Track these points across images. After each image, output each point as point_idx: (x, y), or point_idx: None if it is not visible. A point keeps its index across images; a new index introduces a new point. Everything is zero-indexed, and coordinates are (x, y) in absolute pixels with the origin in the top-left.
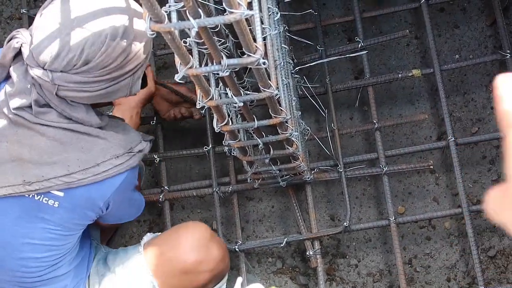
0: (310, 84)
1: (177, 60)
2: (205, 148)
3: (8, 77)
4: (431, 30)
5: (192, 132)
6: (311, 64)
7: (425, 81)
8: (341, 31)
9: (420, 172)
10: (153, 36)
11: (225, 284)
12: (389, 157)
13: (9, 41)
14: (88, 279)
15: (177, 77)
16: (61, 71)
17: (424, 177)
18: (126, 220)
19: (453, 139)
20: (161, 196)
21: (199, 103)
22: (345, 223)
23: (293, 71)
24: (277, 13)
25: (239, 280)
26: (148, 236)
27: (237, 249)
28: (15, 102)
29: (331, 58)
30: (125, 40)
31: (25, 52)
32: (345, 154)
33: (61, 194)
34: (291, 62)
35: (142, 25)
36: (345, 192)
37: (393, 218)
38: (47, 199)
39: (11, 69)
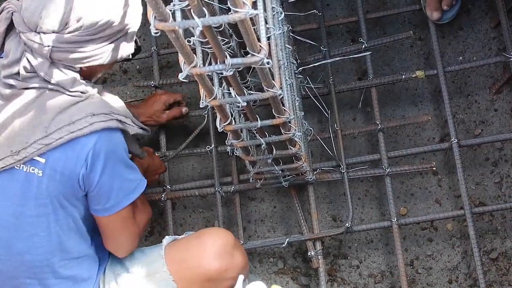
0: (313, 85)
1: (181, 59)
2: (208, 147)
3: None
4: (435, 32)
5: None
6: (314, 64)
7: (428, 83)
8: (344, 32)
9: (423, 173)
10: (157, 34)
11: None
12: (392, 158)
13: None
14: (104, 276)
15: (180, 76)
16: (53, 32)
17: (427, 179)
18: (114, 207)
19: (456, 140)
20: (163, 195)
21: (202, 102)
22: (347, 224)
23: (296, 71)
24: (281, 13)
25: (241, 278)
26: (167, 239)
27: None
28: (5, 72)
29: (335, 59)
30: None
31: (16, 19)
32: (348, 155)
33: (42, 160)
34: (295, 62)
35: None
36: (347, 193)
37: (395, 219)
38: (33, 168)
39: (6, 43)
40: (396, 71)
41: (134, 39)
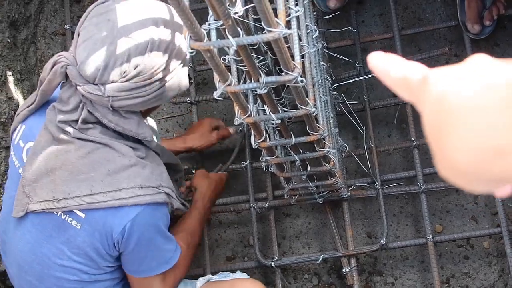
0: (348, 101)
1: (216, 77)
2: (243, 163)
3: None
4: (471, 48)
5: (230, 147)
6: (349, 81)
7: None
8: (380, 48)
9: (459, 190)
10: (192, 54)
11: None
12: (427, 175)
13: (52, 67)
14: None
15: (215, 94)
16: (112, 82)
17: (463, 196)
18: (145, 272)
19: None
20: None
21: (237, 119)
22: (382, 241)
23: (331, 88)
24: (315, 31)
25: None
26: (201, 282)
27: (273, 265)
28: (63, 117)
29: (370, 76)
30: (168, 36)
31: (71, 73)
32: (383, 171)
33: (82, 215)
34: (330, 79)
35: (180, 20)
36: (382, 210)
37: (431, 236)
38: (71, 219)
39: (60, 91)
40: None
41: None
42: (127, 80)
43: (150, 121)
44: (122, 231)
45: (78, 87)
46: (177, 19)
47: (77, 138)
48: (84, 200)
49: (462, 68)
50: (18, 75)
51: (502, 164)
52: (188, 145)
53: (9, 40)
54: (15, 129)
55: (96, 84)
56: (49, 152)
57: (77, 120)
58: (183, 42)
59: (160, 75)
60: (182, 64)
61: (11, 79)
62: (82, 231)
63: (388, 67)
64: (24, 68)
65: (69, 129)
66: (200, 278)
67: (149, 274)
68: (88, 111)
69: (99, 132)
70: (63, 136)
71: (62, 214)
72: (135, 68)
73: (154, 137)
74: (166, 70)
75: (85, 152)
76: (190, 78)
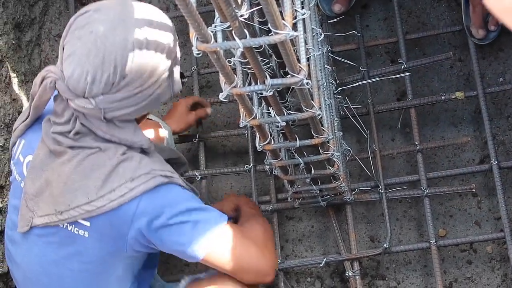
0: (352, 105)
1: (222, 79)
2: (246, 166)
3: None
4: (475, 53)
5: (234, 151)
6: (353, 85)
7: (468, 104)
8: (384, 53)
9: (462, 195)
10: (199, 55)
11: None
12: (431, 179)
13: (41, 82)
14: None
15: (221, 96)
16: (102, 94)
17: (466, 200)
18: (205, 247)
19: (496, 162)
20: None
21: (242, 121)
22: (385, 245)
23: (335, 92)
24: (320, 34)
25: None
26: (186, 280)
27: (276, 268)
28: (57, 128)
29: (374, 79)
30: (153, 37)
31: (61, 87)
32: (386, 175)
33: (87, 223)
34: (334, 82)
35: (164, 19)
36: (386, 214)
37: (434, 240)
38: (77, 229)
39: (54, 104)
40: (436, 92)
41: (179, 73)
42: (117, 91)
43: (154, 118)
44: (131, 228)
45: (69, 101)
46: (161, 18)
47: (70, 148)
48: (84, 209)
49: None
50: (23, 77)
51: None
52: None
53: (13, 42)
54: (14, 144)
55: (87, 98)
56: (47, 165)
57: (70, 131)
58: (170, 40)
59: (151, 81)
60: (173, 64)
61: (15, 80)
62: (90, 238)
63: None
64: (28, 70)
65: (62, 139)
66: (186, 277)
67: (209, 249)
68: (82, 124)
69: (91, 139)
70: (57, 147)
71: (69, 226)
72: (123, 78)
73: (166, 133)
74: (156, 74)
75: (77, 161)
76: (183, 77)
